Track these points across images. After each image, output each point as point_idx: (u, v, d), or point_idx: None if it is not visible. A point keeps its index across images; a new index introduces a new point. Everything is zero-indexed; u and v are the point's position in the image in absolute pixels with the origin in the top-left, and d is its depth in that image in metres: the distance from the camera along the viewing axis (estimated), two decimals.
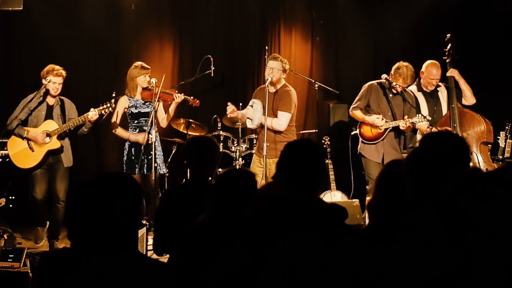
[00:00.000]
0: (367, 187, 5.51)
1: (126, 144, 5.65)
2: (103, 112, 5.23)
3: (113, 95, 5.31)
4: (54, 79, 5.28)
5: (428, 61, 5.61)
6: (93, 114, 5.19)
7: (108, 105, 5.24)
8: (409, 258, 1.97)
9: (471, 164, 4.95)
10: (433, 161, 2.18)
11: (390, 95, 5.46)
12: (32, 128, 5.29)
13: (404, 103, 5.44)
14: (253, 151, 5.77)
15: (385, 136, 5.41)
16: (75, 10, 6.80)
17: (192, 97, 5.81)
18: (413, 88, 5.63)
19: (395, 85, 5.33)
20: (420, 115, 5.25)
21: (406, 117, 5.32)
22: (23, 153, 5.30)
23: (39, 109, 5.33)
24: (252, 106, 5.39)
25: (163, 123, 5.82)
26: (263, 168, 5.19)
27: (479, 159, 5.27)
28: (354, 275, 2.10)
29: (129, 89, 5.66)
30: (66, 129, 5.29)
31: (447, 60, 5.52)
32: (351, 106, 5.59)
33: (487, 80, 6.53)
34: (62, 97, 5.50)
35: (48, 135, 5.27)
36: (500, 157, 5.92)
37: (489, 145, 5.39)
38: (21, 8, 6.45)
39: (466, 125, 5.37)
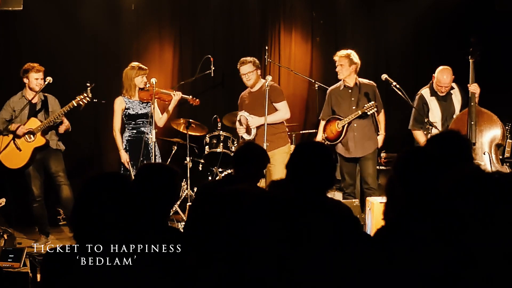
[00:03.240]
0: (342, 184, 5.82)
1: (123, 145, 5.62)
2: (80, 102, 5.39)
3: (87, 84, 5.44)
4: (35, 75, 5.41)
5: (441, 67, 5.57)
6: (65, 125, 5.52)
7: (85, 95, 5.39)
8: (404, 260, 1.97)
9: (483, 163, 5.06)
10: (422, 163, 2.18)
11: (349, 91, 5.67)
12: (16, 124, 5.41)
13: (360, 95, 5.64)
14: None
15: (346, 133, 5.60)
16: (75, 10, 6.79)
17: (191, 96, 5.82)
18: (425, 92, 5.62)
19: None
20: (370, 103, 5.47)
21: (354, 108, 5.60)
22: (11, 153, 5.41)
23: (22, 108, 5.43)
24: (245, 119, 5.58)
25: (160, 123, 5.75)
26: None
27: (492, 160, 5.29)
28: (356, 275, 2.09)
29: (126, 90, 5.61)
30: (48, 124, 5.41)
31: (471, 60, 5.43)
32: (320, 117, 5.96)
33: (487, 80, 6.51)
34: (46, 94, 5.61)
35: (32, 133, 5.33)
36: (500, 157, 5.92)
37: (507, 149, 5.44)
38: (21, 8, 6.46)
39: (483, 124, 5.37)
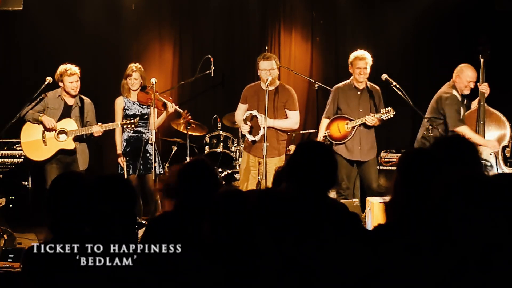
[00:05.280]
0: (340, 185, 5.63)
1: (122, 145, 5.61)
2: (125, 127, 5.39)
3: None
4: (69, 79, 5.31)
5: (462, 65, 5.53)
6: (97, 129, 5.31)
7: (133, 121, 5.37)
8: (401, 261, 1.97)
9: (489, 164, 5.16)
10: (423, 164, 2.17)
11: (358, 93, 5.55)
12: (48, 118, 5.29)
13: (370, 99, 5.53)
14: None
15: (354, 134, 5.48)
16: (75, 10, 6.81)
17: (185, 111, 5.74)
18: (455, 93, 5.49)
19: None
20: (385, 109, 5.36)
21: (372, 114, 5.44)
22: (35, 144, 5.32)
23: (56, 107, 5.36)
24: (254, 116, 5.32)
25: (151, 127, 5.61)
26: (256, 168, 5.21)
27: (499, 161, 5.30)
28: (356, 275, 2.09)
29: (124, 90, 5.64)
30: (85, 132, 5.35)
31: (481, 59, 5.43)
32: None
33: (487, 80, 6.52)
34: (83, 97, 5.54)
35: (64, 133, 5.29)
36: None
37: (507, 149, 5.44)
38: (21, 8, 6.47)
39: (491, 125, 5.39)
